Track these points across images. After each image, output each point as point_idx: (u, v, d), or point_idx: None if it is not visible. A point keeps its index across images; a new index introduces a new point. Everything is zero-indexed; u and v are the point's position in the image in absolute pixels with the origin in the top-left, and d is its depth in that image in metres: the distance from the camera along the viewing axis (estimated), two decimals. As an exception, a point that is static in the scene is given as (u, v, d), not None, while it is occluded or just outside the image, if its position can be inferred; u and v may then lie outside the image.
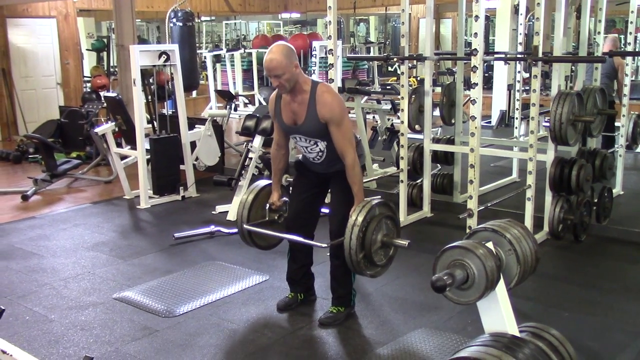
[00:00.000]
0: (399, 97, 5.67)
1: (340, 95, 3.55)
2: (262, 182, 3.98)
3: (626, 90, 6.36)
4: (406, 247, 3.47)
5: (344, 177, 3.55)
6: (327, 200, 4.02)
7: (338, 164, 3.58)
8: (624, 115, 6.28)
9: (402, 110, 5.60)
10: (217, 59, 13.62)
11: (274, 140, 3.82)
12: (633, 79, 7.24)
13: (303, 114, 3.50)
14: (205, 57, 13.78)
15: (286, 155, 3.87)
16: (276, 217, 3.92)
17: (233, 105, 8.85)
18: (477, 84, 4.52)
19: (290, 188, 4.00)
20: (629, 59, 6.62)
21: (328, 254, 3.86)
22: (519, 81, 8.63)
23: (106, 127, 6.86)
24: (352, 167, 3.48)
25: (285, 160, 3.87)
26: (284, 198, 3.91)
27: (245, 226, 3.82)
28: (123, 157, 6.98)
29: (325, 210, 3.99)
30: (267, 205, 3.87)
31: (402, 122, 5.64)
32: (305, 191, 3.82)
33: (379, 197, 3.58)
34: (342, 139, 3.46)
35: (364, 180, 4.04)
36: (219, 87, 13.10)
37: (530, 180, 4.95)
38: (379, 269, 3.54)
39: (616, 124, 6.96)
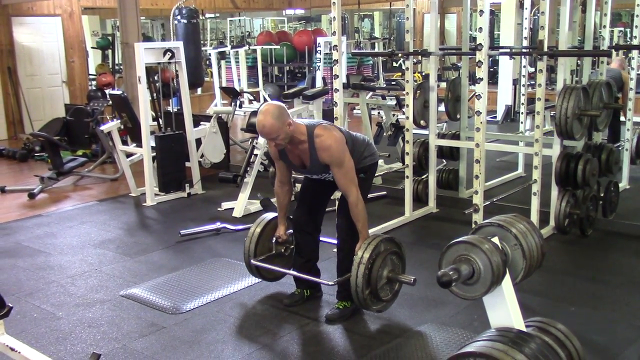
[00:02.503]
0: (404, 92, 5.66)
1: (338, 133, 3.55)
2: (269, 216, 4.08)
3: (631, 104, 6.37)
4: (411, 284, 3.56)
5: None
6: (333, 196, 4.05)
7: None
8: (628, 130, 6.25)
9: (407, 105, 5.59)
10: (222, 55, 13.62)
11: (277, 177, 3.89)
12: (639, 72, 7.17)
13: (307, 159, 3.59)
14: (209, 54, 13.79)
15: (290, 192, 3.94)
16: (282, 250, 4.02)
17: (238, 102, 8.84)
18: (482, 79, 4.50)
19: (301, 184, 4.05)
20: (635, 53, 6.60)
21: (335, 250, 3.89)
22: (524, 76, 8.61)
23: (112, 125, 6.88)
24: (355, 205, 3.53)
25: (289, 195, 3.94)
26: (290, 231, 3.99)
27: (252, 262, 3.94)
28: (129, 155, 7.00)
29: (332, 240, 4.06)
30: (274, 238, 3.96)
31: (407, 118, 5.63)
32: (314, 187, 3.88)
33: (384, 233, 3.67)
34: (343, 179, 3.53)
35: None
36: (224, 84, 13.10)
37: (536, 175, 4.94)
38: (384, 304, 3.65)
39: (622, 118, 6.93)
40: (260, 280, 4.37)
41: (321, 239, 4.00)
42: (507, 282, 2.56)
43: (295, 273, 3.94)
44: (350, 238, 3.64)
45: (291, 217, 3.99)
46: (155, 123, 7.31)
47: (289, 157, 3.67)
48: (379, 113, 7.98)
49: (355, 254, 3.50)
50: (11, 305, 3.00)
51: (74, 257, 5.01)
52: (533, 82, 5.22)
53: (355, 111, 11.08)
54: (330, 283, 3.77)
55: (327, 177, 3.70)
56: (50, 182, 7.11)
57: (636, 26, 6.27)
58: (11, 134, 10.67)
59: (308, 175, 3.81)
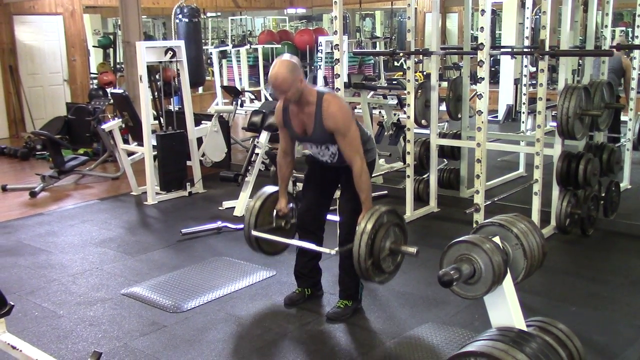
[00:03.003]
0: (405, 92, 5.66)
1: (346, 104, 3.57)
2: (270, 189, 4.01)
3: (633, 94, 6.34)
4: (414, 255, 3.51)
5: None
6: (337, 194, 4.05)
7: None
8: (631, 109, 6.25)
9: (409, 105, 5.59)
10: (223, 54, 13.62)
11: (280, 147, 3.86)
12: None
13: (311, 125, 3.54)
14: (211, 53, 13.79)
15: (292, 162, 3.90)
16: (283, 224, 3.97)
17: (239, 101, 8.85)
18: (483, 79, 4.50)
19: (303, 181, 4.02)
20: (637, 56, 6.59)
21: (336, 248, 3.88)
22: (525, 75, 8.60)
23: (113, 124, 6.88)
24: (359, 175, 3.51)
25: (291, 167, 3.91)
26: (291, 205, 3.95)
27: (252, 232, 3.87)
28: (130, 154, 7.00)
29: (334, 217, 4.05)
30: (274, 212, 3.92)
31: (409, 117, 5.63)
32: (317, 184, 3.87)
33: (387, 205, 3.59)
34: (348, 148, 3.50)
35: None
36: (225, 83, 13.11)
37: (537, 174, 4.94)
38: (386, 275, 3.59)
39: (622, 117, 6.92)
40: (261, 279, 4.37)
41: (327, 217, 3.93)
42: (508, 282, 2.56)
43: (296, 242, 3.85)
44: (353, 220, 3.57)
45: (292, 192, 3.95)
46: (157, 122, 7.31)
47: (293, 123, 3.62)
48: (380, 112, 7.99)
49: (358, 224, 3.43)
50: (12, 304, 3.01)
51: (75, 255, 5.01)
52: (534, 82, 5.23)
53: (356, 110, 11.05)
54: (332, 252, 3.65)
55: (327, 151, 3.63)
56: (51, 180, 7.12)
57: (638, 26, 6.26)
58: (12, 132, 10.68)
59: (308, 146, 3.72)
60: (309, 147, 3.76)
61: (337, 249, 3.66)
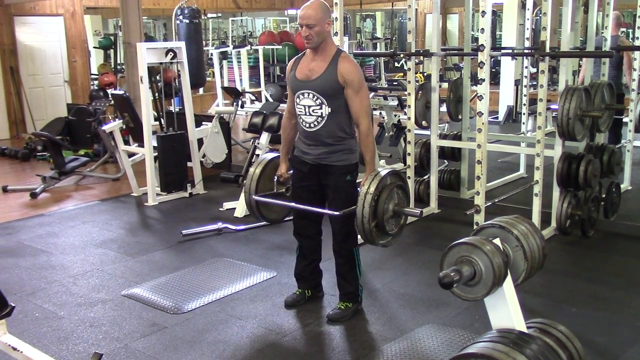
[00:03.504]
0: (406, 93, 5.67)
1: None
2: (270, 155, 3.97)
3: (634, 84, 6.31)
4: (418, 217, 3.49)
5: (339, 174, 3.57)
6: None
7: (334, 146, 3.56)
8: (631, 101, 6.21)
9: (409, 106, 5.59)
10: (224, 55, 13.63)
11: (287, 108, 3.81)
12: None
13: (321, 70, 3.51)
14: (211, 54, 13.80)
15: (296, 125, 3.76)
16: (284, 190, 3.91)
17: (240, 102, 8.86)
18: (484, 80, 4.50)
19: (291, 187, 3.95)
20: (637, 54, 6.58)
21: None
22: (526, 76, 8.60)
23: (114, 125, 6.89)
24: (366, 135, 3.52)
25: (295, 130, 3.80)
26: (292, 170, 3.88)
27: (253, 197, 3.82)
28: (130, 155, 7.00)
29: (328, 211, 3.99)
30: (275, 177, 3.87)
31: (409, 118, 5.63)
32: (304, 192, 3.76)
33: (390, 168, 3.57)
34: (359, 105, 3.50)
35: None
36: (226, 84, 13.11)
37: (538, 175, 4.94)
38: (390, 238, 3.55)
39: (623, 119, 6.91)
40: (261, 280, 4.37)
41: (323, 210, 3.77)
42: (508, 284, 2.56)
43: (297, 205, 3.75)
44: (345, 244, 3.60)
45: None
46: (157, 123, 7.32)
47: (297, 71, 3.59)
48: (380, 113, 7.99)
49: (361, 185, 3.41)
50: (13, 305, 3.01)
51: (75, 256, 5.02)
52: (535, 83, 5.23)
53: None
54: (336, 213, 3.55)
55: (318, 110, 3.52)
56: (52, 181, 7.12)
57: (638, 27, 6.26)
58: (13, 133, 10.68)
59: (302, 96, 3.57)
60: (301, 101, 3.58)
61: (342, 211, 3.54)
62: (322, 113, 3.54)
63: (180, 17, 8.42)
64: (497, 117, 11.04)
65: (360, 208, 3.35)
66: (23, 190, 7.05)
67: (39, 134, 7.99)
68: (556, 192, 5.03)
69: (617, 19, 6.79)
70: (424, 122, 5.80)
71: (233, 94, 9.61)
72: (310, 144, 3.64)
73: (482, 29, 4.46)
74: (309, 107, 3.57)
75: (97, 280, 4.52)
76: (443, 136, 6.14)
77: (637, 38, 6.36)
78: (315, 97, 3.54)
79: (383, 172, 3.44)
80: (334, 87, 3.48)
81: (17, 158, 8.89)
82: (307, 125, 3.61)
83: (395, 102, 7.72)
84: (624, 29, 13.70)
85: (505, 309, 2.57)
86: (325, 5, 3.49)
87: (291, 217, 3.99)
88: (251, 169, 3.91)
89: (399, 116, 7.61)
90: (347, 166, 3.61)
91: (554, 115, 5.90)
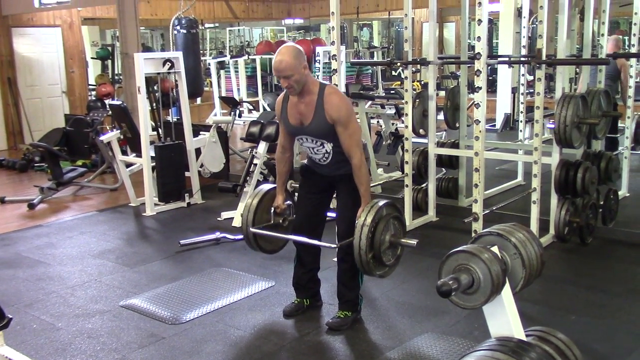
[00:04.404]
0: (403, 101, 5.67)
1: (347, 98, 3.61)
2: (267, 186, 3.99)
3: (631, 92, 6.34)
4: (414, 247, 3.51)
5: (350, 180, 3.58)
6: (333, 204, 4.03)
7: (344, 167, 3.61)
8: (628, 117, 6.27)
9: (406, 114, 5.60)
10: (221, 65, 13.66)
11: (279, 142, 3.85)
12: (638, 80, 7.19)
13: (310, 115, 3.53)
14: (209, 64, 13.82)
15: (291, 158, 3.88)
16: (281, 221, 3.94)
17: (237, 112, 8.87)
18: (481, 88, 4.51)
19: (296, 193, 4.01)
20: (633, 60, 6.61)
21: (335, 259, 3.88)
22: (523, 84, 8.62)
23: (111, 135, 6.89)
24: (359, 168, 3.51)
25: (290, 162, 3.88)
26: (288, 202, 3.93)
27: (250, 229, 3.84)
28: (128, 165, 7.00)
29: (331, 214, 4.01)
30: (272, 209, 3.89)
31: (407, 127, 5.63)
32: (311, 195, 3.84)
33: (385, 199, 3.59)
34: (349, 140, 3.49)
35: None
36: (223, 94, 13.14)
37: (536, 183, 4.94)
38: (387, 268, 3.57)
39: (620, 125, 6.94)
40: (260, 290, 4.37)
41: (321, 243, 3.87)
42: (506, 292, 2.56)
43: (294, 237, 3.81)
44: (350, 230, 3.57)
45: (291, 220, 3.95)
46: (155, 133, 7.32)
47: (289, 114, 3.61)
48: (378, 122, 8.00)
49: (357, 217, 3.43)
50: (11, 317, 3.00)
51: (73, 267, 5.00)
52: (532, 91, 5.24)
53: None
54: (333, 245, 3.65)
55: (322, 149, 3.60)
56: (49, 192, 7.11)
57: (634, 34, 6.29)
58: (11, 144, 10.68)
59: (303, 139, 3.66)
60: (303, 144, 3.69)
61: (337, 243, 3.63)
62: (326, 150, 3.61)
63: (178, 27, 8.43)
64: (494, 125, 11.06)
65: (357, 240, 3.38)
66: (21, 201, 7.04)
67: (36, 144, 7.99)
68: (554, 200, 5.04)
69: (616, 41, 6.87)
70: (421, 130, 5.81)
71: (231, 103, 9.63)
72: (323, 169, 3.72)
73: (479, 37, 4.48)
74: (313, 147, 3.66)
75: (95, 291, 4.51)
76: (441, 144, 6.15)
77: (633, 45, 6.38)
78: (315, 140, 3.61)
79: (379, 204, 3.46)
80: (328, 128, 3.51)
81: (15, 169, 8.88)
82: (317, 159, 3.70)
83: (393, 111, 7.73)
84: (621, 36, 13.78)
85: (504, 317, 2.56)
86: (296, 50, 3.46)
87: (289, 247, 4.02)
88: (248, 200, 3.94)
89: (396, 124, 7.63)
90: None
91: (551, 122, 5.90)
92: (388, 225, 3.48)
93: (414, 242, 3.51)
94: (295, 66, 3.40)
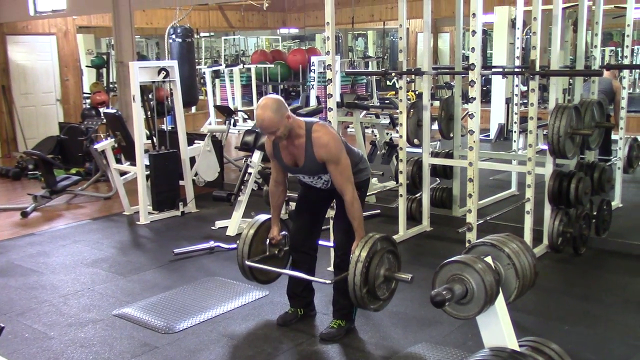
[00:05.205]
0: (398, 111, 5.69)
1: (335, 132, 3.60)
2: (262, 217, 4.04)
3: (623, 113, 6.40)
4: (409, 282, 3.54)
5: None
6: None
7: None
8: (621, 128, 6.30)
9: (401, 124, 5.61)
10: (216, 74, 13.67)
11: (272, 177, 3.88)
12: (630, 91, 7.23)
13: (302, 157, 3.56)
14: (204, 73, 13.84)
15: (284, 192, 3.92)
16: (276, 252, 3.99)
17: (232, 121, 8.87)
18: (475, 98, 4.53)
19: (296, 201, 4.02)
20: (626, 72, 6.65)
21: (329, 268, 3.88)
22: (517, 94, 8.66)
23: (106, 144, 6.88)
24: (351, 204, 3.53)
25: (283, 196, 3.93)
26: (284, 232, 3.97)
27: (246, 262, 3.89)
28: (122, 173, 6.99)
29: (328, 243, 4.09)
30: (267, 240, 3.93)
31: (401, 136, 5.65)
32: (310, 204, 3.88)
33: (380, 232, 3.62)
34: (340, 177, 3.52)
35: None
36: (218, 103, 13.14)
37: (529, 193, 4.96)
38: (381, 302, 3.62)
39: (613, 136, 6.97)
40: (254, 299, 4.35)
41: (319, 242, 3.96)
42: (500, 302, 2.56)
43: (289, 272, 3.88)
44: (347, 239, 3.61)
45: (287, 233, 3.98)
46: (150, 141, 7.31)
47: (282, 155, 3.64)
48: (372, 132, 8.02)
49: (352, 252, 3.46)
50: (2, 325, 2.98)
51: (66, 276, 4.98)
52: (526, 101, 5.26)
53: (349, 130, 11.11)
54: (327, 282, 3.72)
55: (320, 180, 3.66)
56: (43, 200, 7.09)
57: (627, 46, 6.34)
58: (5, 152, 10.65)
59: (300, 176, 3.75)
60: (302, 179, 3.78)
61: (332, 278, 3.72)
62: (325, 180, 3.67)
63: (173, 36, 8.44)
64: (488, 135, 11.10)
65: (351, 276, 3.41)
66: (14, 209, 7.01)
67: (30, 152, 7.97)
68: (548, 210, 5.05)
69: (613, 73, 6.98)
70: (415, 140, 5.82)
71: (225, 112, 9.62)
72: (323, 190, 3.78)
73: (473, 48, 4.50)
74: (311, 181, 3.72)
75: (87, 300, 4.49)
76: (435, 154, 6.16)
77: (626, 57, 6.43)
78: (312, 176, 3.67)
79: (373, 238, 3.49)
80: (322, 166, 3.55)
81: (9, 177, 8.85)
82: (317, 187, 3.76)
83: (387, 120, 7.75)
84: (613, 48, 13.88)
85: (498, 328, 2.57)
86: (276, 103, 3.42)
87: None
88: (244, 231, 3.98)
89: (391, 134, 7.64)
90: (356, 183, 3.66)
91: (544, 133, 5.93)
92: (382, 260, 3.52)
93: (408, 276, 3.54)
94: (278, 121, 3.40)
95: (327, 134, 3.51)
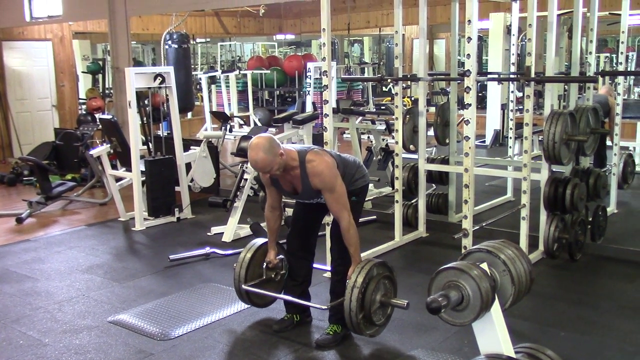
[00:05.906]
0: (393, 117, 5.70)
1: (329, 159, 3.59)
2: (259, 241, 4.08)
3: (617, 129, 6.43)
4: (405, 308, 3.57)
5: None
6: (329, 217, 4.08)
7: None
8: (616, 134, 6.32)
9: (397, 130, 5.62)
10: (212, 80, 13.67)
11: (267, 202, 3.89)
12: (625, 97, 7.26)
13: (299, 185, 3.61)
14: (200, 79, 13.84)
15: (280, 216, 3.95)
16: (273, 276, 4.00)
17: (228, 127, 8.87)
18: (470, 105, 4.54)
19: (294, 206, 4.05)
20: (620, 78, 6.67)
21: (326, 274, 3.88)
22: (512, 101, 8.68)
23: (101, 149, 6.87)
24: (347, 230, 3.55)
25: (279, 220, 3.95)
26: (280, 256, 3.98)
27: (243, 287, 3.93)
28: (118, 179, 6.97)
29: (324, 267, 4.15)
30: (264, 264, 3.95)
31: (397, 142, 5.66)
32: (306, 214, 3.91)
33: (376, 257, 3.67)
34: (335, 204, 3.55)
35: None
36: (214, 109, 13.13)
37: (525, 199, 4.97)
38: (377, 328, 3.65)
39: (608, 142, 7.00)
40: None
41: (314, 265, 4.02)
42: (496, 308, 2.57)
43: (286, 297, 3.93)
44: (343, 262, 3.66)
45: (282, 242, 3.99)
46: (145, 147, 7.31)
47: (281, 182, 3.68)
48: (368, 137, 8.03)
49: (348, 278, 3.50)
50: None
51: (61, 282, 4.96)
52: (521, 107, 5.28)
53: (345, 136, 11.13)
54: (323, 307, 3.79)
55: (319, 201, 3.70)
56: (38, 206, 7.07)
57: (622, 52, 6.36)
58: (0, 158, 10.62)
59: (300, 200, 3.82)
60: (301, 201, 3.82)
61: (328, 304, 3.76)
62: (323, 200, 3.66)
63: (169, 42, 8.46)
64: (484, 141, 11.12)
65: (347, 301, 3.44)
66: (9, 215, 6.99)
67: (25, 158, 7.95)
68: (543, 216, 5.06)
69: (609, 89, 7.02)
70: (411, 146, 5.83)
71: (221, 118, 9.62)
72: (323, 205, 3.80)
73: (469, 54, 4.51)
74: (311, 203, 3.77)
75: (82, 306, 4.47)
76: (431, 160, 6.17)
77: (620, 63, 6.45)
78: (311, 199, 3.71)
79: (370, 264, 3.52)
80: (318, 192, 3.58)
81: (4, 183, 8.83)
82: (319, 206, 3.78)
83: (383, 126, 7.76)
84: (608, 54, 13.94)
85: (493, 334, 2.57)
86: (268, 143, 3.41)
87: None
88: (241, 254, 4.02)
89: (386, 140, 7.65)
90: (353, 190, 3.71)
91: (540, 139, 5.94)
92: (379, 286, 3.55)
93: (404, 302, 3.57)
94: (272, 160, 3.42)
95: (321, 163, 3.52)
